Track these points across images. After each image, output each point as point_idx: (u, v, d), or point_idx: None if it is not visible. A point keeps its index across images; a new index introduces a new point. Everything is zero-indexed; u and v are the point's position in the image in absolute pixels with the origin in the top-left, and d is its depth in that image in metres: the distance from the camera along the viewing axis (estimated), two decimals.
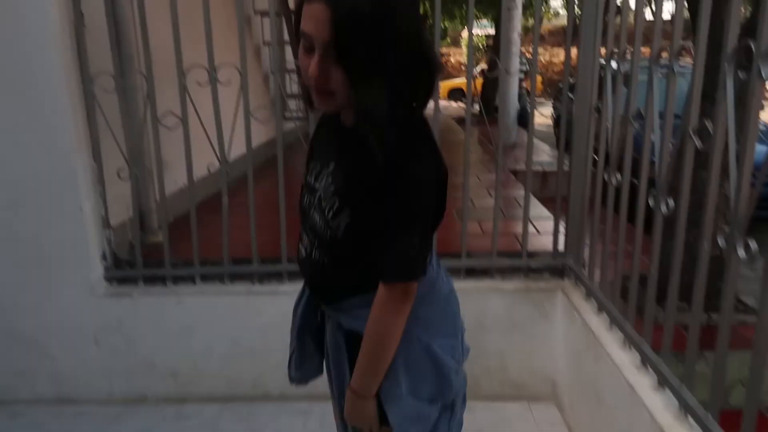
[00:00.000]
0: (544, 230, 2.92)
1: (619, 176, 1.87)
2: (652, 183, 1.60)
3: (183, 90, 2.25)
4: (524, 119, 8.52)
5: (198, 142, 2.36)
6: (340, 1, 0.87)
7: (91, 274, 2.40)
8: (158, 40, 2.28)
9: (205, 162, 2.37)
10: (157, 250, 2.51)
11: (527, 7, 11.87)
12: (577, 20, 2.24)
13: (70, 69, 2.22)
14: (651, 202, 1.56)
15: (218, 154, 2.33)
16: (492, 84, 11.02)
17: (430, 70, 1.01)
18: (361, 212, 1.02)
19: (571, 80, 2.33)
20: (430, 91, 1.04)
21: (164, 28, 2.22)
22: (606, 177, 1.93)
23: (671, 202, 1.50)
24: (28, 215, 2.31)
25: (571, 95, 2.30)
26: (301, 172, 1.20)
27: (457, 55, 26.17)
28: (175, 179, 2.76)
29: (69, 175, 2.28)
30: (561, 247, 2.41)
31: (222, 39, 2.34)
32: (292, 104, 5.90)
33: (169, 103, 2.32)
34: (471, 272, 2.41)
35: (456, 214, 3.14)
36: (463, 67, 26.58)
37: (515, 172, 5.38)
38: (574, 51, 2.26)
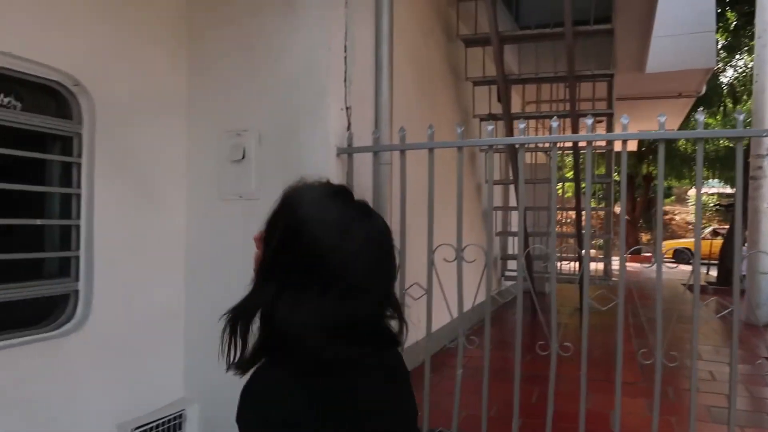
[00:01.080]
0: None
1: None
2: None
3: (431, 265, 2.43)
4: None
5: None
6: (286, 197, 0.99)
7: None
8: (410, 219, 2.54)
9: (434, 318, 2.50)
10: None
11: None
12: None
13: None
14: None
15: (456, 313, 2.42)
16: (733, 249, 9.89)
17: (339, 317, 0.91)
18: None
19: None
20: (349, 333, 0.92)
21: (419, 209, 2.48)
22: None
23: None
24: None
25: None
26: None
27: (683, 213, 24.49)
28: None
29: None
30: None
31: (467, 220, 2.53)
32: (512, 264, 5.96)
33: (415, 274, 2.52)
34: None
35: (709, 415, 2.74)
36: (689, 226, 24.68)
37: None
38: None
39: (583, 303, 2.28)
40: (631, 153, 16.54)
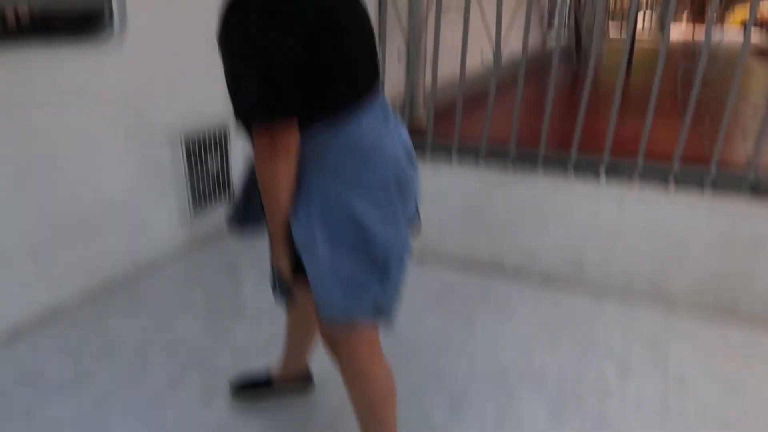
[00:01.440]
0: None
1: None
2: None
3: None
4: None
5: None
6: None
7: None
8: None
9: (472, 59, 2.49)
10: (418, 132, 2.71)
11: None
12: None
13: None
14: None
15: (492, 48, 2.41)
16: None
17: None
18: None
19: None
20: None
21: None
22: None
23: None
24: None
25: None
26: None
27: None
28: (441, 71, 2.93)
29: None
30: None
31: None
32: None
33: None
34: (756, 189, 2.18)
35: (742, 135, 2.76)
36: None
37: None
38: None
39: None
40: None
